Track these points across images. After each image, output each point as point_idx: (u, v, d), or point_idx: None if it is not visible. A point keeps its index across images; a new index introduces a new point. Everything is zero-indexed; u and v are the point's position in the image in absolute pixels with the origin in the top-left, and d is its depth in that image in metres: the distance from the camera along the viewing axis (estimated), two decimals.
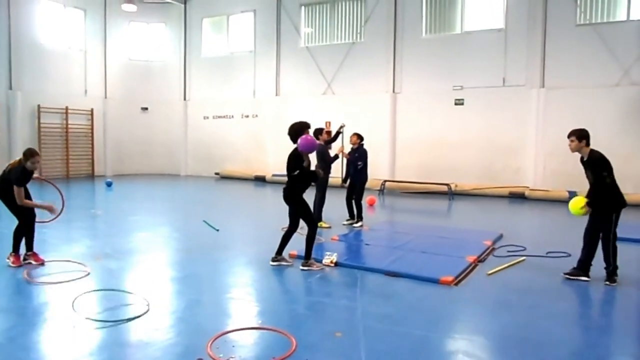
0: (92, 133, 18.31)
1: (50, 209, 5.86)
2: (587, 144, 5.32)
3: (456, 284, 5.26)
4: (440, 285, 5.20)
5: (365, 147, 9.10)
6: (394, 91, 15.66)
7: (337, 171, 9.79)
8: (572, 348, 3.79)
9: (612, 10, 13.06)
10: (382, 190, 14.30)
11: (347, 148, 9.21)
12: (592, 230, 5.43)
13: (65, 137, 17.44)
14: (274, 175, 16.40)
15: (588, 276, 5.39)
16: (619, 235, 5.35)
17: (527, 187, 13.39)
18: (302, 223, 5.90)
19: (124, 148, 19.35)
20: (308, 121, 6.05)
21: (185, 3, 19.56)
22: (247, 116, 18.56)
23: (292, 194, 5.84)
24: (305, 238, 5.81)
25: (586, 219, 5.48)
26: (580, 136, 5.29)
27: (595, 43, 12.97)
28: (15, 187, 5.55)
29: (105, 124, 18.78)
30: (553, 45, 13.47)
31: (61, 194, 6.66)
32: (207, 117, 19.47)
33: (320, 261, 5.92)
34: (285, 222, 6.13)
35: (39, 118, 16.58)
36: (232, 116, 18.87)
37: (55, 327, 4.03)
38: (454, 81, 14.75)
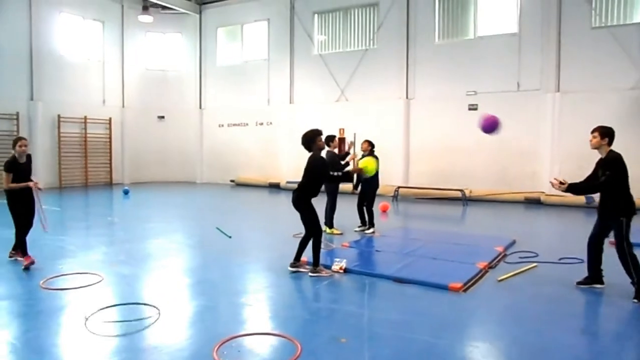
0: (110, 142, 18.68)
1: (34, 186, 6.26)
2: (609, 144, 5.05)
3: (465, 291, 5.24)
4: (449, 292, 5.18)
5: (376, 153, 9.11)
6: (407, 97, 15.65)
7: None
8: (578, 356, 3.74)
9: (629, 12, 12.89)
10: (395, 197, 14.27)
11: (358, 155, 9.23)
12: (595, 235, 5.27)
13: (84, 146, 17.82)
14: (288, 182, 16.50)
15: (602, 283, 5.27)
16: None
17: (543, 193, 13.23)
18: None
19: (141, 156, 19.68)
20: (321, 128, 6.13)
21: (200, 13, 19.89)
22: (262, 124, 18.73)
23: (300, 199, 5.90)
24: (311, 246, 5.86)
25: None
26: (604, 133, 5.03)
27: (611, 46, 12.80)
28: (4, 174, 6.04)
29: (123, 132, 19.13)
30: (568, 49, 13.33)
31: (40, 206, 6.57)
32: (222, 125, 19.70)
33: (329, 268, 5.96)
34: (298, 229, 6.16)
35: (58, 127, 16.98)
36: (247, 124, 19.06)
37: (67, 331, 4.14)
38: (468, 86, 14.69)
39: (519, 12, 14.00)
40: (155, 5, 18.55)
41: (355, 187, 9.13)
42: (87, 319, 4.29)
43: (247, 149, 18.99)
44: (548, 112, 13.53)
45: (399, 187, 14.48)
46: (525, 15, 13.90)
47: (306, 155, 5.95)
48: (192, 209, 13.08)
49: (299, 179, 6.03)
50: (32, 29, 16.18)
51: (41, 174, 16.47)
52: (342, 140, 15.58)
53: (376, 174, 8.97)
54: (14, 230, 6.31)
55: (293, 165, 16.95)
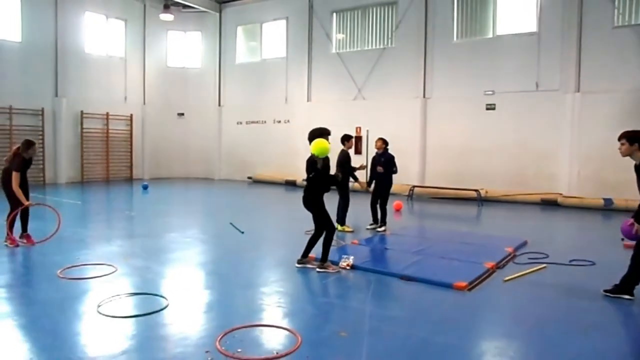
0: (131, 138, 19.08)
1: (26, 204, 6.92)
2: None
3: (470, 290, 5.26)
4: (454, 290, 5.21)
5: (390, 151, 9.16)
6: (424, 96, 15.61)
7: (362, 176, 9.87)
8: (575, 357, 3.75)
9: None
10: (410, 196, 14.26)
11: (372, 152, 9.29)
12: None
13: (106, 142, 18.25)
14: (304, 180, 16.58)
15: (631, 294, 4.90)
16: None
17: (560, 194, 13.06)
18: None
19: (161, 152, 20.05)
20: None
21: (220, 12, 20.13)
22: (279, 121, 18.89)
23: (310, 197, 6.00)
24: (322, 241, 5.95)
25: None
26: (633, 139, 4.77)
27: (634, 45, 12.56)
28: (13, 173, 6.71)
29: (144, 129, 19.53)
30: (589, 48, 13.12)
31: (58, 215, 7.37)
32: (241, 123, 19.93)
33: (337, 264, 6.04)
34: (310, 226, 6.27)
35: (81, 123, 17.43)
36: (265, 122, 19.25)
37: (79, 318, 4.33)
38: (486, 86, 14.58)
39: (539, 11, 13.83)
40: (176, 4, 18.86)
41: (368, 184, 9.17)
42: (99, 306, 4.47)
43: (265, 147, 19.18)
44: (567, 112, 13.34)
45: (414, 187, 14.46)
46: (545, 14, 13.73)
47: None
48: (209, 205, 13.31)
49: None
50: (58, 27, 16.64)
51: (64, 169, 17.00)
52: (358, 139, 15.65)
53: (389, 173, 9.03)
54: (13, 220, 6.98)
55: None
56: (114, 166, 18.65)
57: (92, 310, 4.45)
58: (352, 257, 6.15)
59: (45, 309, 4.53)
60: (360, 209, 9.87)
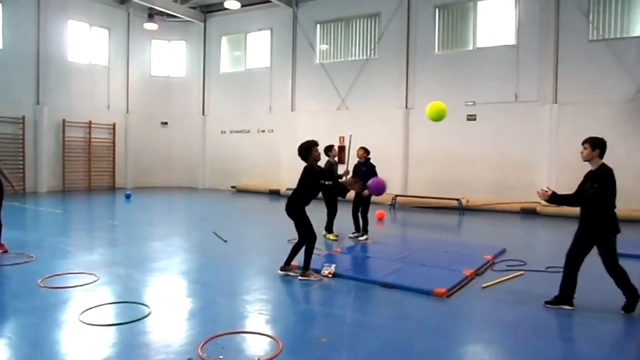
0: (114, 146, 18.95)
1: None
2: (601, 156, 4.90)
3: (449, 296, 5.38)
4: (433, 297, 5.32)
5: (372, 161, 9.28)
6: (406, 107, 15.85)
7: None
8: None
9: (626, 26, 13.05)
10: (393, 205, 14.41)
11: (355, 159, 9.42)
12: (574, 251, 5.02)
13: (88, 151, 18.10)
14: (288, 189, 16.65)
15: (571, 304, 4.98)
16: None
17: (539, 203, 13.33)
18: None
19: (144, 161, 19.94)
20: (320, 137, 6.35)
21: (205, 21, 20.21)
22: (263, 131, 18.96)
23: (292, 206, 6.08)
24: (304, 250, 6.04)
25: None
26: (595, 144, 4.87)
27: (609, 59, 12.96)
28: None
29: (127, 138, 19.42)
30: (565, 61, 13.51)
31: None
32: (225, 132, 19.95)
33: (319, 272, 6.11)
34: (293, 235, 6.34)
35: (63, 132, 17.27)
36: (249, 131, 19.31)
37: (61, 326, 4.32)
38: (467, 97, 14.87)
39: (517, 25, 14.20)
40: (161, 14, 18.88)
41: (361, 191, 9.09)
42: (80, 315, 4.47)
43: (249, 156, 19.21)
44: (545, 123, 13.69)
45: (396, 196, 14.63)
46: (523, 27, 14.10)
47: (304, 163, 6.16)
48: (192, 214, 13.28)
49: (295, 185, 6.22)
50: (40, 34, 16.52)
51: (45, 177, 16.81)
52: (342, 148, 15.79)
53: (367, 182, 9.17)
54: None
55: (293, 172, 17.06)
56: (96, 175, 18.49)
57: (73, 318, 4.45)
58: (333, 265, 6.23)
59: (26, 318, 4.50)
60: (343, 218, 9.95)
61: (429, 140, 15.40)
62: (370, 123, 16.17)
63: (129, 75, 19.45)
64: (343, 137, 16.34)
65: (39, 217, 11.63)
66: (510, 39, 14.32)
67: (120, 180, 19.24)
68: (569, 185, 12.99)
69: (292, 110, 18.23)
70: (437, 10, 15.39)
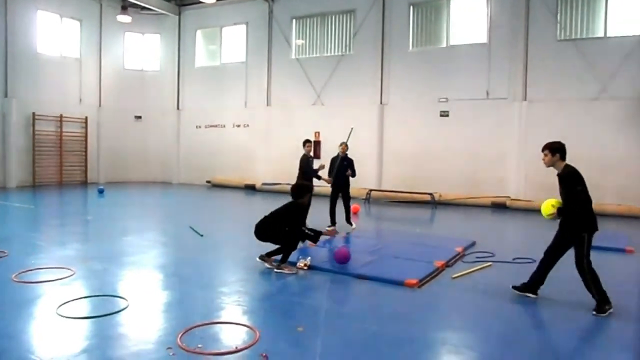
0: (86, 141, 18.63)
1: None
2: (562, 158, 4.92)
3: (420, 287, 5.58)
4: (405, 288, 5.52)
5: (350, 156, 9.71)
6: (381, 102, 16.07)
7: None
8: (513, 346, 4.10)
9: (592, 27, 13.52)
10: (367, 199, 14.63)
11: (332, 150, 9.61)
12: (553, 248, 5.10)
13: (59, 145, 17.75)
14: (263, 184, 16.72)
15: (536, 294, 5.19)
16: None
17: (509, 197, 13.75)
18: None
19: (118, 156, 19.66)
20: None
21: (179, 15, 20.01)
22: (239, 126, 18.92)
23: (273, 233, 6.27)
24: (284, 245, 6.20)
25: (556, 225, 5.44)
26: (553, 149, 4.90)
27: (575, 58, 13.42)
28: None
29: (99, 132, 19.11)
30: (535, 60, 13.92)
31: None
32: (200, 127, 19.83)
33: (294, 265, 6.24)
34: None
35: (33, 125, 16.89)
36: (224, 126, 19.24)
37: (37, 320, 4.34)
38: (440, 93, 15.17)
39: (489, 23, 14.55)
40: (135, 6, 18.61)
41: (329, 176, 9.54)
42: (57, 308, 4.49)
43: (224, 151, 19.15)
44: (515, 120, 14.09)
45: (371, 190, 14.85)
46: (494, 26, 14.45)
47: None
48: (167, 208, 13.22)
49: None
50: (8, 25, 16.09)
51: (14, 171, 16.43)
52: (317, 143, 15.92)
53: (345, 177, 9.47)
54: None
55: (269, 167, 17.23)
56: (68, 170, 18.15)
57: (50, 312, 4.46)
58: (309, 258, 6.37)
59: (1, 312, 4.50)
60: (318, 212, 10.10)
61: (403, 136, 15.66)
62: (346, 118, 16.24)
63: (101, 68, 19.12)
64: (318, 133, 16.50)
65: (9, 213, 11.41)
66: (482, 37, 14.66)
67: (93, 175, 18.94)
68: (537, 180, 13.57)
69: (267, 105, 18.24)
70: (411, 7, 15.62)
